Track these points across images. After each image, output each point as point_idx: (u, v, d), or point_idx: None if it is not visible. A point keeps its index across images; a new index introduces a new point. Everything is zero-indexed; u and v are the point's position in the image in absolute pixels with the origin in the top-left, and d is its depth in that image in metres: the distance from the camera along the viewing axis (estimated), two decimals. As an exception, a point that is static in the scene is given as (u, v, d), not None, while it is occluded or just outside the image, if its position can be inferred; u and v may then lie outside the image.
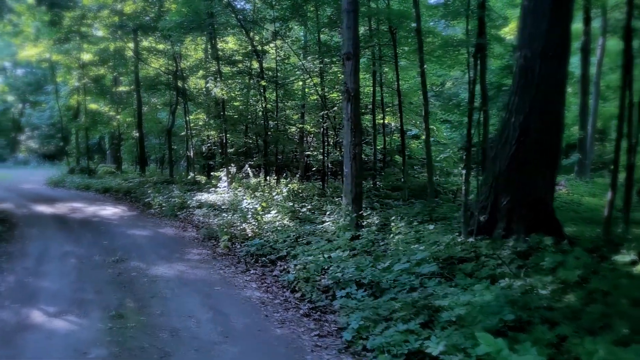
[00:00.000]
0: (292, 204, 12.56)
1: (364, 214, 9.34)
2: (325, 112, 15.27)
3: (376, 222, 8.78)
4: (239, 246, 9.55)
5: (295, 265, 7.39)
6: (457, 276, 6.21)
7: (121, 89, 25.33)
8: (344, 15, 9.44)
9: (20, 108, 44.28)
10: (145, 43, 22.66)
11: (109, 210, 14.82)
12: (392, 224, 8.53)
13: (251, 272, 7.85)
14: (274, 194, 13.90)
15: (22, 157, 40.38)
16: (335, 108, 16.62)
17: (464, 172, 8.48)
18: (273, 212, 11.70)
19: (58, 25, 19.88)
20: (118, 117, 25.58)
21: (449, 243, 7.21)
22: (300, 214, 12.01)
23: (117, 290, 6.80)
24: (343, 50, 9.47)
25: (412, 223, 8.99)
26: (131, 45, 21.86)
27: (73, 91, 27.72)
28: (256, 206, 11.95)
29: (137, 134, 23.67)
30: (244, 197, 13.44)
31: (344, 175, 9.77)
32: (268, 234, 9.94)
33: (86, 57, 24.36)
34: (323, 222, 10.51)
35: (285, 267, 7.77)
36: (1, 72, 46.80)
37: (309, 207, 12.67)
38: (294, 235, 9.30)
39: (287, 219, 11.33)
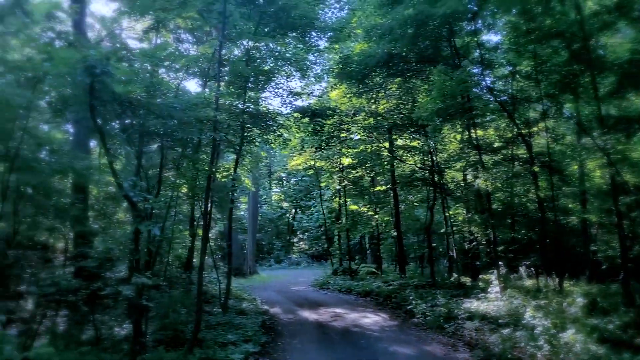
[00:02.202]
0: (593, 319, 9.58)
1: None
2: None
3: None
4: (532, 382, 7.16)
5: None
6: None
7: (378, 188, 25.46)
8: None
9: (293, 213, 49.10)
10: (399, 142, 22.60)
11: (370, 319, 13.75)
12: None
13: None
14: (563, 303, 11.00)
15: (294, 258, 43.86)
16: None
17: None
18: (570, 331, 8.93)
19: (319, 133, 21.03)
20: (376, 216, 25.55)
21: None
22: (607, 333, 8.99)
23: None
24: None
25: None
26: (386, 144, 21.93)
27: (335, 194, 29.10)
28: (545, 322, 9.36)
29: (395, 233, 23.02)
30: (525, 308, 10.88)
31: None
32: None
33: (345, 160, 25.38)
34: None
35: None
36: (279, 183, 53.41)
37: (617, 322, 9.51)
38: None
39: (591, 341, 8.49)
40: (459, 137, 18.59)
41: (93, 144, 13.87)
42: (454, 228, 18.84)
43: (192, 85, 31.94)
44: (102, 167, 11.55)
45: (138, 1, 11.29)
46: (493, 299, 12.72)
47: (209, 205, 12.47)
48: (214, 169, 10.98)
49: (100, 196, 13.65)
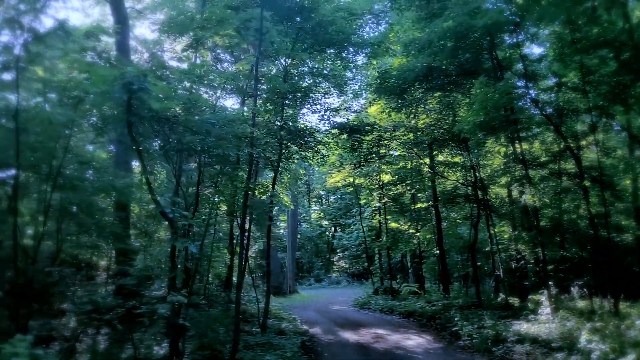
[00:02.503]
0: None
1: None
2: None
3: None
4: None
5: None
6: None
7: (419, 205, 24.93)
8: None
9: (332, 231, 48.81)
10: (440, 157, 22.14)
11: (413, 341, 13.27)
12: None
13: None
14: (621, 326, 10.28)
15: (334, 277, 43.37)
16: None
17: None
18: (630, 356, 8.30)
19: (358, 149, 20.80)
20: (418, 234, 24.98)
21: None
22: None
23: None
24: None
25: None
26: (427, 160, 21.51)
27: (374, 212, 28.66)
28: (602, 347, 8.74)
29: (438, 251, 22.41)
30: (580, 331, 10.22)
31: None
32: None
33: (385, 177, 25.01)
34: None
35: None
36: (318, 200, 53.32)
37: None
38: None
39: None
40: (503, 151, 17.98)
41: (135, 162, 14.07)
42: (500, 246, 18.12)
43: (231, 104, 32.29)
44: (143, 185, 11.64)
45: (178, 20, 11.47)
46: (544, 321, 12.07)
47: (247, 222, 12.37)
48: (251, 186, 10.88)
49: (141, 214, 13.78)
